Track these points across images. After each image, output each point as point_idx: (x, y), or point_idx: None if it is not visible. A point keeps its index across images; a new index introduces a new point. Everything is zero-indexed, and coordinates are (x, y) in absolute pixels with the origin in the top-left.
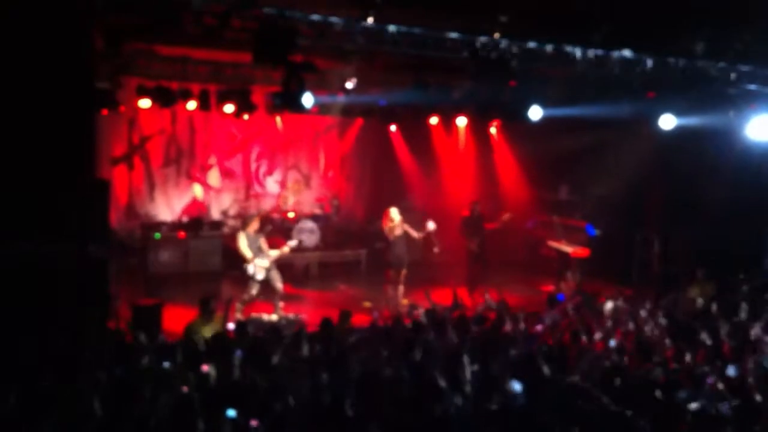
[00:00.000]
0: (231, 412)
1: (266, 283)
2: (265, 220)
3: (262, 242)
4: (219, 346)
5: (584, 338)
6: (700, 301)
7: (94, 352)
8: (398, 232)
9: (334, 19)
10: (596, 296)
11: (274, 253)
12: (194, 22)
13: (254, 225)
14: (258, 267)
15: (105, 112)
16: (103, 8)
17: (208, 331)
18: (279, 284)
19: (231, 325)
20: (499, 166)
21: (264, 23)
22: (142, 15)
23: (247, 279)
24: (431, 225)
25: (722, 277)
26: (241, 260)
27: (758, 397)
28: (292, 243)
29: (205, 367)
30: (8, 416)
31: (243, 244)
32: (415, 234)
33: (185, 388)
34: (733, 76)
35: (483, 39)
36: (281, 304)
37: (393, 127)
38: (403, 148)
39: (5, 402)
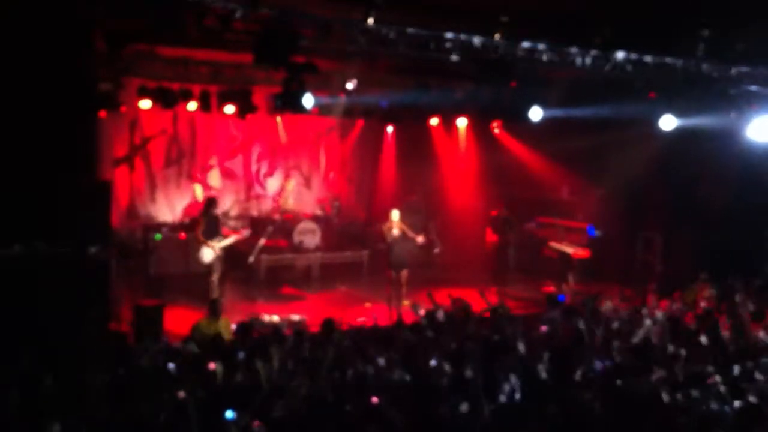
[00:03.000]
0: (230, 414)
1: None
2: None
3: (221, 227)
4: (222, 346)
5: (586, 339)
6: (701, 303)
7: (96, 353)
8: (396, 233)
9: (335, 21)
10: (597, 297)
11: (228, 240)
12: (195, 24)
13: (217, 208)
14: (208, 250)
15: (104, 113)
16: (105, 11)
17: (213, 332)
18: (217, 274)
19: (234, 326)
20: (513, 167)
21: (265, 25)
22: (143, 18)
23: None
24: (420, 239)
25: (723, 278)
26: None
27: (755, 399)
28: (245, 233)
29: (212, 365)
30: (10, 418)
31: (200, 228)
32: (411, 235)
33: (182, 394)
34: (733, 77)
35: (484, 40)
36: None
37: (389, 129)
38: (401, 149)
39: (7, 404)
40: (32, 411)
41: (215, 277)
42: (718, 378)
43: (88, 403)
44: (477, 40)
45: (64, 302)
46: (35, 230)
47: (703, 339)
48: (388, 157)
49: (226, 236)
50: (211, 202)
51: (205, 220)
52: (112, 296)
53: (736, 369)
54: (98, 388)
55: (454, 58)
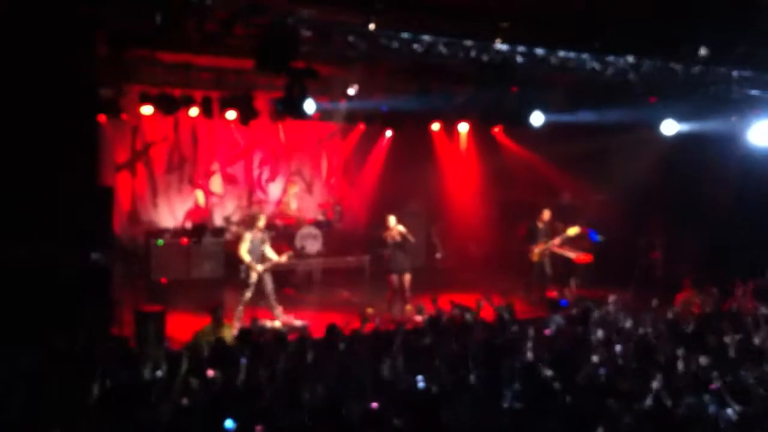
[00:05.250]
0: (229, 424)
1: (259, 286)
2: (268, 226)
3: (267, 242)
4: (224, 352)
5: (588, 343)
6: (703, 307)
7: (97, 359)
8: (396, 238)
9: (335, 26)
10: (599, 302)
11: (274, 257)
12: (197, 29)
13: (261, 224)
14: (251, 269)
15: (104, 118)
16: (106, 15)
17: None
18: (269, 287)
19: (236, 332)
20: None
21: (266, 30)
22: (144, 22)
23: (243, 281)
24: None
25: (725, 282)
26: (239, 264)
27: (760, 404)
28: (290, 254)
29: (211, 372)
30: (11, 423)
31: (244, 246)
32: (412, 239)
33: (185, 400)
34: (735, 81)
35: (485, 45)
36: (280, 308)
37: (388, 133)
38: (402, 153)
39: (8, 408)
40: (33, 415)
41: (247, 296)
42: (720, 382)
43: (89, 408)
44: (478, 45)
45: (66, 307)
46: (37, 235)
47: (705, 342)
48: (383, 161)
49: (269, 257)
50: (256, 219)
51: (249, 237)
52: (113, 301)
53: (739, 373)
54: (99, 393)
55: (455, 62)
